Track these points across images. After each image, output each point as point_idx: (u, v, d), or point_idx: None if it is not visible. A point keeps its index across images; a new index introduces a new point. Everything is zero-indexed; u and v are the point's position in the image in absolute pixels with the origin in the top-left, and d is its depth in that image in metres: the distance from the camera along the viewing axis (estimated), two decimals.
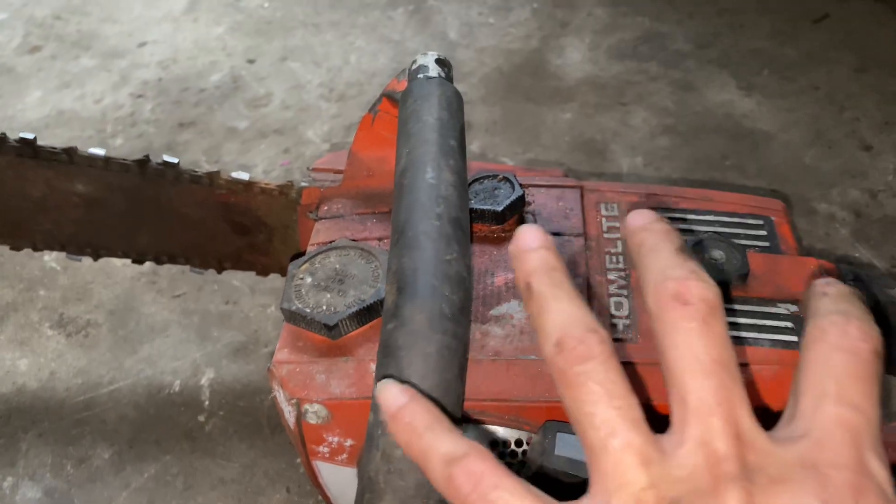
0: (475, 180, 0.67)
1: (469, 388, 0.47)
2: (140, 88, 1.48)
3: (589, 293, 0.59)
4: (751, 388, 0.53)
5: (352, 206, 0.70)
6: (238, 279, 1.07)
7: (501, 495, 0.32)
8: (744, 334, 0.55)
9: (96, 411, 0.92)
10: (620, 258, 0.62)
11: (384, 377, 0.40)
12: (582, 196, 0.68)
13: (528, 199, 0.67)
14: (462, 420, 0.43)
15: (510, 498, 0.32)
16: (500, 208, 0.64)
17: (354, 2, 1.73)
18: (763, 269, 0.60)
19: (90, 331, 1.02)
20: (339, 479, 0.61)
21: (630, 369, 0.40)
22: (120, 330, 1.02)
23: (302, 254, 0.62)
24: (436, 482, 0.34)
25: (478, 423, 0.55)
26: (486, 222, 0.64)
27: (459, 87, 0.61)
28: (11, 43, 1.63)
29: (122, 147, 1.32)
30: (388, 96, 0.65)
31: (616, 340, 0.55)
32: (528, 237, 0.37)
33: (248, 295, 1.05)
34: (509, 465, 0.56)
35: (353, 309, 0.55)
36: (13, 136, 0.74)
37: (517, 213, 0.65)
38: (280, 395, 0.56)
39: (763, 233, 0.65)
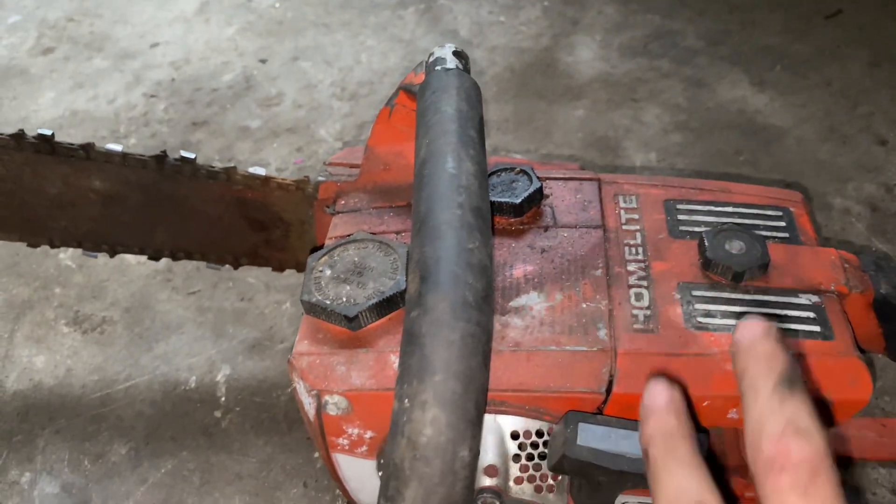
0: (493, 173, 0.67)
1: (490, 378, 0.48)
2: (153, 89, 1.48)
3: (608, 285, 0.59)
4: None
5: (369, 200, 0.70)
6: (253, 276, 1.07)
7: None
8: None
9: (112, 408, 0.92)
10: (639, 249, 0.61)
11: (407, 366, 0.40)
12: (600, 188, 0.68)
13: (545, 191, 0.67)
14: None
15: None
16: (517, 201, 0.64)
17: (365, 1, 1.73)
18: (783, 260, 0.60)
19: (106, 328, 1.02)
20: (359, 472, 0.61)
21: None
22: (135, 327, 1.02)
23: (320, 247, 0.62)
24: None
25: (498, 413, 0.55)
26: (505, 215, 0.64)
27: None
28: (25, 44, 1.64)
29: (136, 147, 1.33)
30: (406, 89, 0.65)
31: (637, 332, 0.55)
32: (654, 394, 0.37)
33: (263, 292, 1.05)
34: (530, 457, 0.56)
35: (373, 300, 0.55)
36: (31, 132, 0.75)
37: (535, 205, 0.65)
38: (300, 387, 0.56)
39: (782, 224, 0.64)
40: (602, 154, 1.27)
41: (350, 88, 1.46)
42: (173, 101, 1.45)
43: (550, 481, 0.57)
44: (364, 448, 0.58)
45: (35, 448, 0.88)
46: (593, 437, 0.50)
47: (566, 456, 0.49)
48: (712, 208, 0.65)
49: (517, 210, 0.64)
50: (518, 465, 0.57)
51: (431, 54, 0.62)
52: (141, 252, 0.83)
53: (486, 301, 0.44)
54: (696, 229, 0.63)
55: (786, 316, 0.56)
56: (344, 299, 0.56)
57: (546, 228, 0.64)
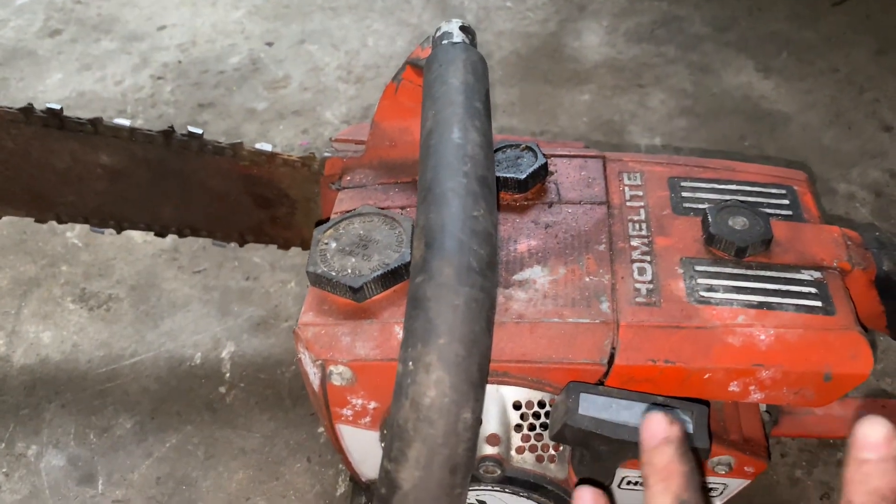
0: (498, 149, 0.67)
1: (493, 349, 0.48)
2: (160, 71, 1.49)
3: (612, 259, 0.59)
4: (775, 350, 0.53)
5: (374, 176, 0.71)
6: (259, 255, 1.07)
7: None
8: (769, 299, 0.55)
9: (118, 383, 0.93)
10: (643, 225, 0.62)
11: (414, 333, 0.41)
12: (604, 165, 0.68)
13: (550, 168, 0.67)
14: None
15: None
16: (522, 176, 0.64)
17: None
18: (786, 237, 0.60)
19: (112, 305, 1.03)
20: (362, 443, 0.62)
21: None
22: (141, 305, 1.03)
23: (326, 220, 0.63)
24: None
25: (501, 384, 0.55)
26: (509, 190, 0.65)
27: None
28: (32, 27, 1.64)
29: (143, 127, 1.33)
30: (412, 64, 0.65)
31: (639, 305, 0.55)
32: (651, 428, 0.42)
33: (268, 271, 1.06)
34: (531, 427, 0.57)
35: (378, 272, 0.56)
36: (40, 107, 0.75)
37: (540, 181, 0.66)
38: (305, 358, 0.57)
39: (786, 202, 0.65)
40: (607, 138, 1.28)
41: (356, 71, 1.47)
42: (180, 83, 1.45)
43: (552, 451, 0.58)
44: (367, 419, 0.59)
45: (42, 421, 0.89)
46: (594, 407, 0.51)
47: (567, 425, 0.50)
48: (716, 186, 0.66)
49: (522, 186, 0.64)
50: (520, 435, 0.57)
51: (438, 29, 0.63)
52: (147, 228, 0.84)
53: (489, 267, 0.44)
54: (700, 206, 0.63)
55: (789, 291, 0.56)
56: (349, 271, 0.57)
57: (550, 204, 0.64)
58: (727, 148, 1.23)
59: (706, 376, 0.54)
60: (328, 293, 0.58)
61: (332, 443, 0.63)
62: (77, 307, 1.03)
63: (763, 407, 0.66)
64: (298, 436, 0.87)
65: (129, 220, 0.83)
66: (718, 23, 1.55)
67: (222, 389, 0.92)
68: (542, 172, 0.66)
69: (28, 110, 0.74)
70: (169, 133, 0.76)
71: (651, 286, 0.57)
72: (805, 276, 0.58)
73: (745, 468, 0.60)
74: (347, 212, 0.63)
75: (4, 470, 0.85)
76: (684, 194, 0.65)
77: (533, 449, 0.58)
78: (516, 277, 0.58)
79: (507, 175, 0.64)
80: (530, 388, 0.55)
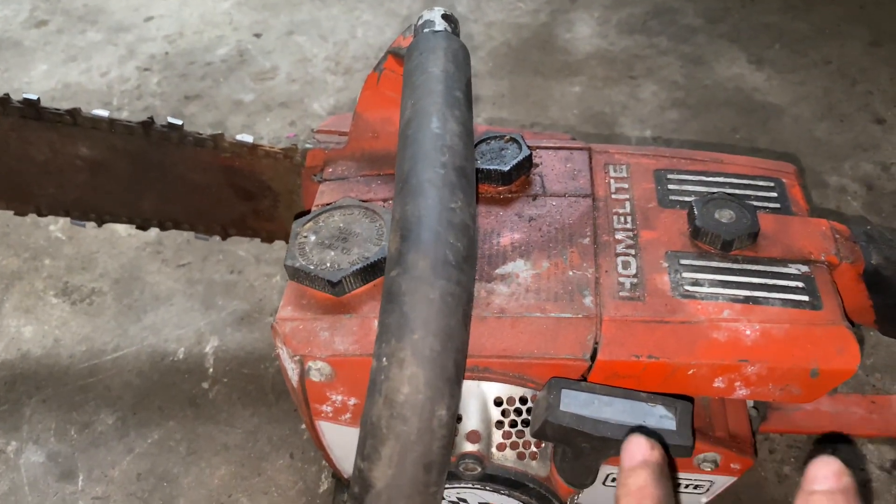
0: (482, 141, 0.66)
1: (474, 344, 0.47)
2: (146, 62, 1.47)
3: (596, 253, 0.58)
4: (761, 345, 0.52)
5: (357, 168, 0.69)
6: (243, 249, 1.06)
7: None
8: (755, 293, 0.54)
9: (100, 377, 0.92)
10: (628, 218, 0.61)
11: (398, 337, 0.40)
12: (590, 157, 0.67)
13: (535, 160, 0.66)
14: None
15: None
16: (506, 168, 0.63)
17: None
18: (774, 230, 0.59)
19: (95, 299, 1.01)
20: (343, 440, 0.61)
21: None
22: (124, 298, 1.01)
23: (306, 213, 0.62)
24: None
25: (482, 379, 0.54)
26: (493, 183, 0.64)
27: None
28: (18, 17, 1.62)
29: (122, 119, 1.31)
30: (394, 53, 0.64)
31: (623, 299, 0.54)
32: (630, 450, 0.42)
33: (252, 264, 1.05)
34: (513, 423, 0.56)
35: (357, 266, 0.55)
36: (17, 97, 0.74)
37: (524, 173, 0.65)
38: (283, 353, 0.56)
39: (774, 195, 0.63)
40: (598, 130, 1.26)
41: (345, 63, 1.45)
42: (167, 75, 1.43)
43: (533, 448, 0.57)
44: (348, 415, 0.58)
45: (21, 417, 0.88)
46: (576, 403, 0.50)
47: (548, 421, 0.49)
48: (703, 178, 0.65)
49: (505, 178, 0.63)
50: (501, 432, 0.56)
51: (420, 17, 0.61)
52: (129, 221, 0.82)
53: (466, 261, 0.43)
54: (687, 199, 0.62)
55: (775, 285, 0.55)
56: (328, 265, 0.56)
57: (535, 197, 0.63)
58: (719, 140, 1.22)
59: (690, 372, 0.53)
60: (307, 287, 0.56)
61: (313, 439, 0.62)
62: (59, 301, 1.01)
63: (750, 403, 0.65)
64: (281, 431, 0.86)
65: (110, 212, 0.82)
66: (711, 14, 1.54)
67: (205, 384, 0.91)
68: (527, 164, 0.64)
69: (5, 101, 0.73)
70: (149, 124, 0.74)
71: (635, 280, 0.56)
72: (792, 269, 0.57)
73: (732, 465, 0.59)
74: (328, 204, 0.62)
75: None
76: (671, 187, 0.64)
77: (514, 446, 0.57)
78: (498, 271, 0.57)
79: (491, 167, 0.63)
80: (512, 383, 0.54)
